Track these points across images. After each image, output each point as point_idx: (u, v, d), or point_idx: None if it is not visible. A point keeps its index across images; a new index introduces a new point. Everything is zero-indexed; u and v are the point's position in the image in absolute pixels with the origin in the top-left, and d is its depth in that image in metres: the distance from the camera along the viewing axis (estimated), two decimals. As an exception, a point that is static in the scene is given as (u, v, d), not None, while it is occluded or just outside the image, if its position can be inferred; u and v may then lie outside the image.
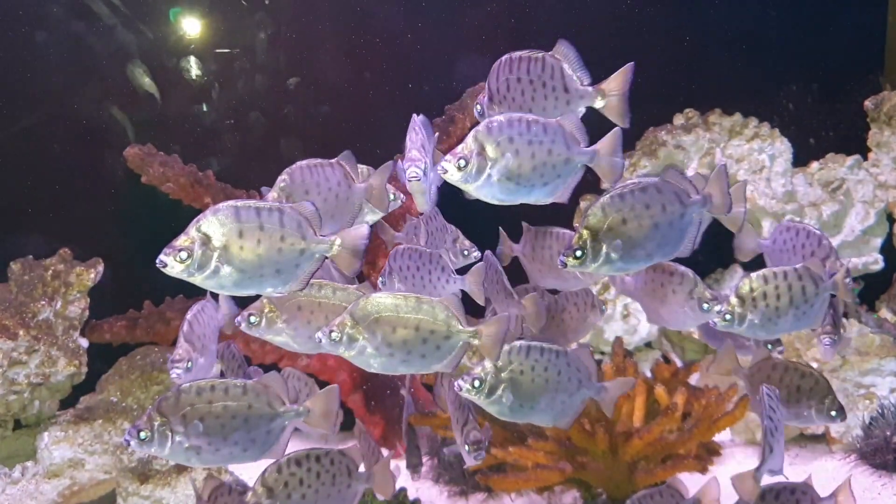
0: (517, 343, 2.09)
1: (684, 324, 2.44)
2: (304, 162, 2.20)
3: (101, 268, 3.57)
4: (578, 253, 1.98)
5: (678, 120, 4.09)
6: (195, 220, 1.88)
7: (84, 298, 3.52)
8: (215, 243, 1.85)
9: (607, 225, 1.99)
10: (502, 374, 2.06)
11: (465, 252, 2.53)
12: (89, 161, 4.28)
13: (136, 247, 4.25)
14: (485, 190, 2.05)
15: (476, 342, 2.01)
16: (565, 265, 1.99)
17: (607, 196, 2.02)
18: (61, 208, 4.23)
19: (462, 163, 1.99)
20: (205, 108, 4.38)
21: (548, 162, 2.05)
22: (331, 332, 1.96)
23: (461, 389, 2.05)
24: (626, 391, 2.23)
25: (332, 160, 2.22)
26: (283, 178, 2.15)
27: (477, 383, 2.05)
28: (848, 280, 2.32)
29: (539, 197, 2.11)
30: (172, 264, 1.83)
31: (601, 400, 2.20)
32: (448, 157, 2.00)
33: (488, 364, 2.06)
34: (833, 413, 2.29)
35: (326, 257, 1.98)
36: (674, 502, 2.33)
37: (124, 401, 3.49)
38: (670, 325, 2.50)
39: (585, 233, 1.99)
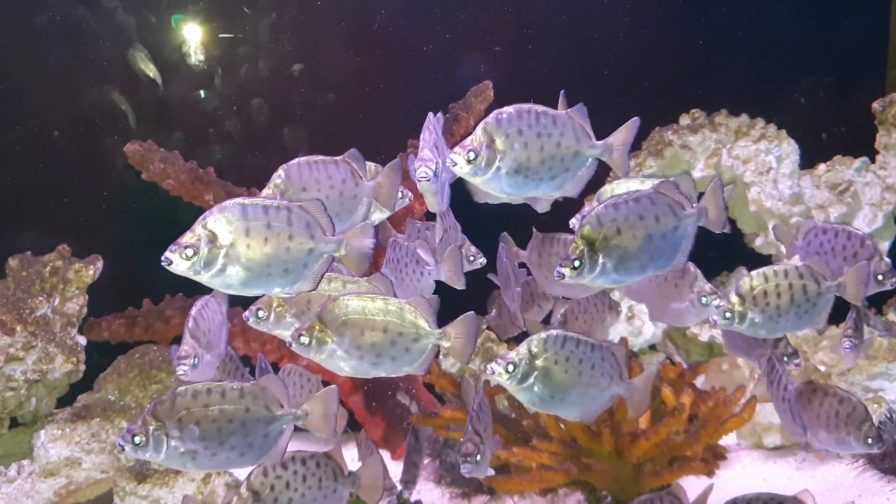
0: (553, 332, 2.05)
1: (686, 319, 2.40)
2: (302, 158, 2.14)
3: (100, 264, 3.53)
4: (576, 263, 1.94)
5: (684, 120, 4.05)
6: (201, 217, 1.84)
7: (82, 295, 3.48)
8: (222, 241, 1.81)
9: (603, 235, 1.95)
10: (537, 362, 2.01)
11: (471, 258, 2.49)
12: (89, 157, 4.24)
13: (135, 244, 4.23)
14: (493, 183, 2.01)
15: (446, 343, 1.98)
16: (563, 276, 1.95)
17: (602, 206, 1.99)
18: (60, 204, 4.19)
19: (471, 155, 1.95)
20: (202, 94, 4.34)
21: (556, 155, 2.02)
22: (300, 335, 1.93)
23: (493, 373, 2.00)
24: (650, 386, 2.16)
25: (337, 158, 2.17)
26: (278, 175, 2.10)
27: (511, 368, 2.00)
28: (894, 280, 2.28)
29: (547, 191, 2.07)
30: (178, 262, 1.80)
31: (630, 398, 2.14)
32: (457, 149, 1.96)
33: (523, 349, 2.01)
34: (870, 440, 2.26)
35: (335, 257, 1.94)
36: None
37: (122, 399, 3.45)
38: (673, 320, 2.46)
39: (581, 243, 1.95)
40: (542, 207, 2.42)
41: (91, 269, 3.49)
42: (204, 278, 1.83)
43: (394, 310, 1.95)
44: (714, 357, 3.88)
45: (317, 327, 1.93)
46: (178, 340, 3.80)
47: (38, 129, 4.21)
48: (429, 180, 2.07)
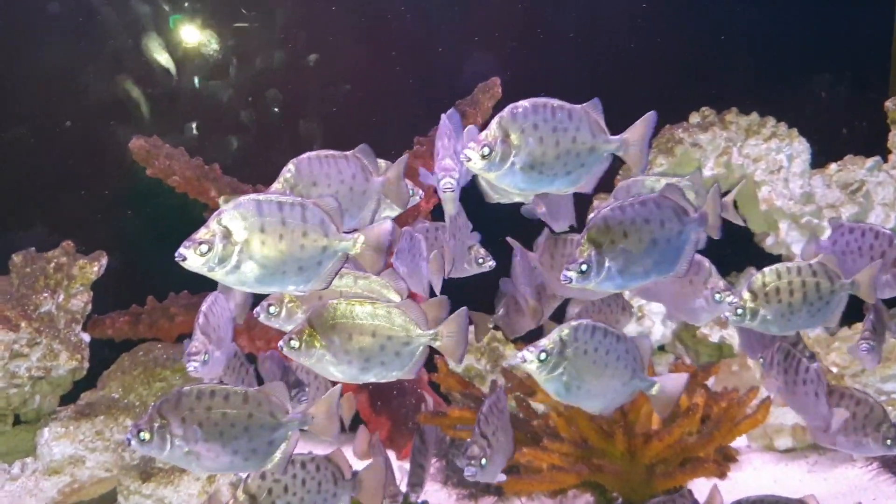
0: (583, 321, 2.01)
1: (700, 316, 2.37)
2: (312, 153, 2.11)
3: (104, 261, 3.49)
4: (583, 267, 1.91)
5: (694, 118, 4.02)
6: (216, 213, 1.82)
7: (87, 292, 3.44)
8: (236, 238, 1.78)
9: (610, 238, 1.92)
10: (567, 351, 1.96)
11: (480, 260, 2.45)
12: (93, 152, 4.21)
13: (140, 241, 4.20)
14: (507, 179, 1.97)
15: (437, 344, 1.95)
16: (570, 280, 1.92)
17: (608, 208, 1.96)
18: (64, 200, 4.16)
19: (486, 150, 1.91)
20: (208, 91, 4.30)
21: (572, 150, 1.98)
22: (290, 339, 1.90)
23: (524, 361, 1.95)
24: (682, 390, 2.11)
25: (347, 152, 2.14)
26: (288, 169, 2.07)
27: (543, 356, 1.95)
28: None
29: (562, 187, 2.04)
30: (192, 258, 1.76)
31: (653, 396, 2.08)
32: (471, 144, 1.93)
33: (554, 336, 1.97)
34: (889, 442, 2.21)
35: (349, 255, 1.91)
36: None
37: (126, 397, 3.42)
38: (687, 317, 2.43)
39: (588, 246, 1.92)
40: (560, 227, 2.39)
41: (95, 266, 3.45)
42: (218, 275, 1.80)
43: (382, 313, 1.92)
44: (724, 358, 3.84)
45: (306, 331, 1.90)
46: (182, 338, 3.79)
47: (42, 124, 4.18)
48: (453, 191, 2.05)
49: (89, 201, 4.20)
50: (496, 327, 2.87)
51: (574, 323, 1.99)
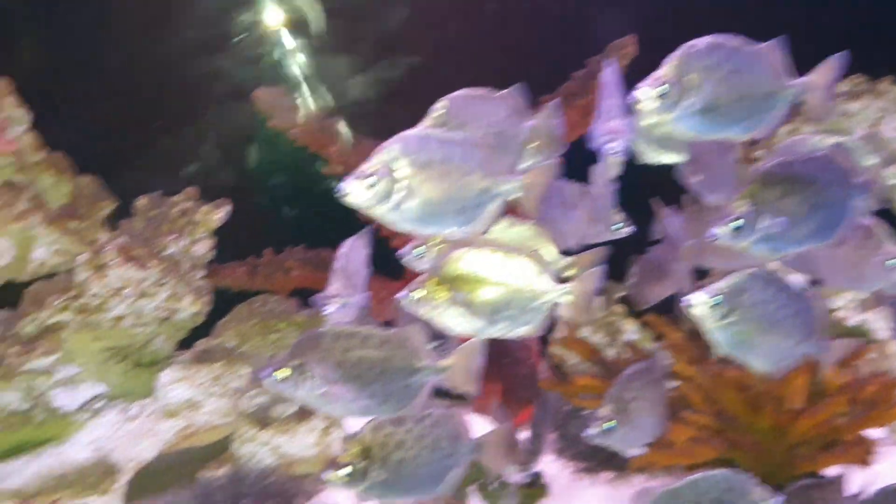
0: (757, 270, 1.84)
1: (866, 283, 2.18)
2: (465, 90, 2.01)
3: (228, 208, 3.50)
4: (738, 223, 1.75)
5: (844, 86, 3.78)
6: (378, 148, 1.73)
7: (210, 239, 3.46)
8: (399, 174, 1.69)
9: (772, 195, 1.76)
10: (741, 298, 1.81)
11: (616, 226, 2.30)
12: (217, 101, 4.23)
13: (258, 192, 4.21)
14: (681, 122, 1.83)
15: (567, 300, 1.79)
16: (719, 237, 1.77)
17: (772, 163, 1.80)
18: (186, 148, 4.19)
19: (664, 88, 1.78)
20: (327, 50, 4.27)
21: (749, 95, 1.84)
22: (413, 289, 1.78)
23: (695, 304, 1.80)
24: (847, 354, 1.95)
25: (502, 91, 2.04)
26: (440, 106, 1.96)
27: (719, 298, 1.80)
28: None
29: (736, 133, 1.89)
30: (358, 191, 1.68)
31: (823, 361, 1.91)
32: (647, 80, 1.79)
33: (726, 282, 1.81)
34: None
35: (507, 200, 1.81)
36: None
37: (242, 346, 3.42)
38: (850, 284, 2.23)
39: (745, 202, 1.76)
40: (718, 200, 2.23)
41: (219, 213, 3.46)
42: (381, 211, 1.71)
43: (513, 264, 1.79)
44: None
45: (432, 282, 1.79)
46: (297, 293, 3.78)
47: (166, 74, 4.21)
48: (620, 155, 1.95)
49: (210, 149, 4.22)
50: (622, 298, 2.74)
51: (749, 271, 1.83)
